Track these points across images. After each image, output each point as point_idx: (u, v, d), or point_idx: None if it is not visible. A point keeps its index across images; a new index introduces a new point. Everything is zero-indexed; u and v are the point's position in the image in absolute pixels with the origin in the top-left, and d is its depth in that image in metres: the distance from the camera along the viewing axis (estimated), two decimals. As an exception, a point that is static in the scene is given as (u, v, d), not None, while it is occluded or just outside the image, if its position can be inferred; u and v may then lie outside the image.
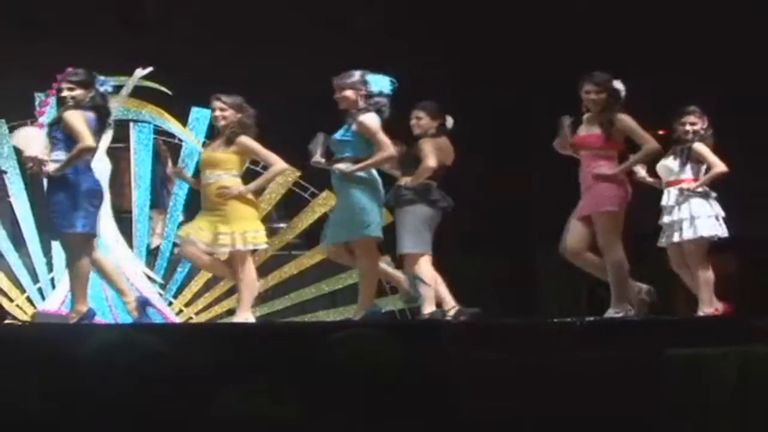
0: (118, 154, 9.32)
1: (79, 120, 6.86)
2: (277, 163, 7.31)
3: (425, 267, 7.37)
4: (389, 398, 3.46)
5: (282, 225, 10.04)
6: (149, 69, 9.07)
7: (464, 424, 4.35)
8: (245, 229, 7.18)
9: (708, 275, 7.63)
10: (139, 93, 9.30)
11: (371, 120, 7.06)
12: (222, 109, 7.31)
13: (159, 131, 9.70)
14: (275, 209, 9.98)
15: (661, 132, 10.14)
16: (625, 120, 7.21)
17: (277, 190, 9.75)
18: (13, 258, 9.33)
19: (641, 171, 7.74)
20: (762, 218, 9.81)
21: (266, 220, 9.89)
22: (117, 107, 9.23)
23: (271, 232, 9.98)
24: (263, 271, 9.17)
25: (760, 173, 9.76)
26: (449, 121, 7.57)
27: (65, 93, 6.97)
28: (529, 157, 9.20)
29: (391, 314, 9.53)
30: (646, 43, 9.99)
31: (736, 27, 9.81)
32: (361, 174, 7.09)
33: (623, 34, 9.93)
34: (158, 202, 9.94)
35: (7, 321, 7.70)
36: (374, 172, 7.18)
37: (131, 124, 9.55)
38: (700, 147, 7.74)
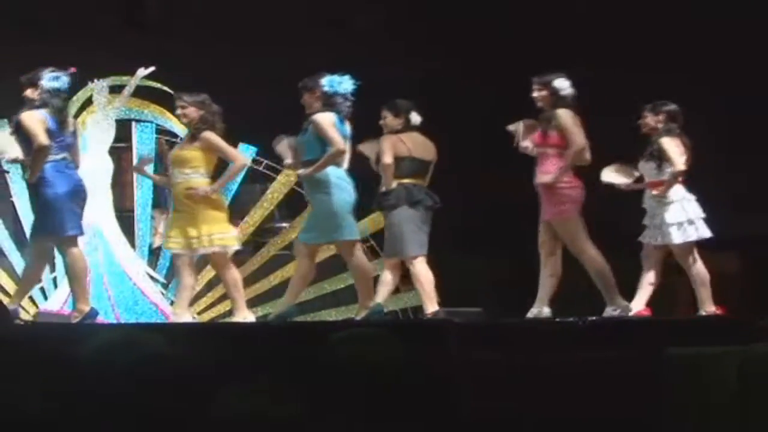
0: (120, 154, 9.33)
1: (30, 120, 6.81)
2: (239, 159, 7.33)
3: (420, 268, 7.39)
4: (389, 398, 3.47)
5: (284, 225, 10.04)
6: (151, 69, 9.08)
7: (464, 424, 4.36)
8: (211, 232, 7.19)
9: (698, 275, 7.58)
10: (141, 93, 9.31)
11: (322, 118, 7.10)
12: (183, 107, 7.37)
13: (161, 131, 9.71)
14: (277, 209, 9.98)
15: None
16: (563, 116, 7.22)
17: (279, 190, 9.75)
18: (15, 257, 9.33)
19: (624, 180, 7.71)
20: (762, 218, 9.80)
21: (269, 219, 9.92)
22: (119, 107, 9.27)
23: (273, 232, 10.01)
24: (264, 271, 9.18)
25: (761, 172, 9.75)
26: (414, 118, 7.58)
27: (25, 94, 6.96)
28: (530, 157, 9.20)
29: (393, 314, 9.56)
30: (645, 43, 9.99)
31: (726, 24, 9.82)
32: (327, 177, 7.09)
33: (622, 34, 9.93)
34: (160, 201, 9.94)
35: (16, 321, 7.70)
36: (341, 174, 7.16)
37: (133, 124, 9.56)
38: (664, 143, 7.64)
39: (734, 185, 8.37)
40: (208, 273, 9.79)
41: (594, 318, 7.25)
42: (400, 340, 3.66)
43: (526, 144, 7.37)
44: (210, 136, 7.20)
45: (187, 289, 7.33)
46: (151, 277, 9.41)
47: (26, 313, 9.09)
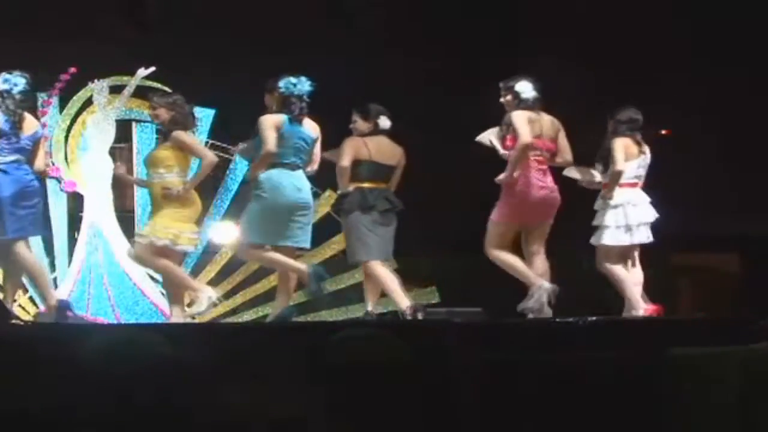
0: (120, 154, 9.33)
1: None
2: (207, 156, 7.33)
3: (374, 271, 7.41)
4: (389, 398, 3.47)
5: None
6: (151, 69, 9.08)
7: (464, 424, 4.36)
8: (182, 230, 7.23)
9: (619, 276, 7.56)
10: (141, 93, 9.30)
11: (263, 119, 7.17)
12: (154, 108, 7.43)
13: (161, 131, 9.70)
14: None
15: (663, 132, 10.17)
16: (514, 117, 7.26)
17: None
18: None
19: (584, 177, 7.72)
20: (762, 217, 9.80)
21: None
22: (119, 107, 9.27)
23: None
24: (264, 271, 9.17)
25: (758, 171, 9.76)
26: (383, 122, 7.59)
27: None
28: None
29: (393, 314, 9.56)
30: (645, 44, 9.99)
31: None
32: (261, 179, 7.11)
33: (618, 35, 9.94)
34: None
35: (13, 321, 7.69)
36: (275, 179, 7.14)
37: (133, 124, 9.56)
38: (612, 144, 7.63)
39: (734, 186, 8.37)
40: (208, 273, 9.80)
41: (594, 318, 7.25)
42: (400, 341, 3.66)
43: (502, 151, 7.42)
44: (179, 135, 7.27)
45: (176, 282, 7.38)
46: (151, 277, 9.41)
47: (26, 313, 9.10)
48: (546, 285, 7.21)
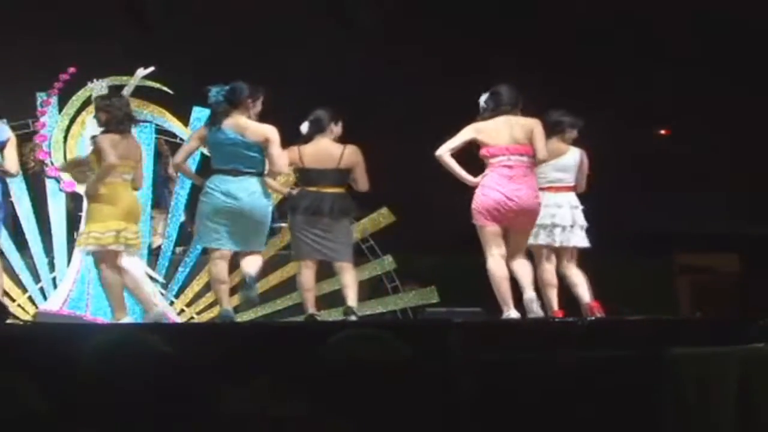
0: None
1: None
2: (106, 160, 7.26)
3: (302, 273, 7.59)
4: (389, 398, 3.47)
5: (283, 225, 10.03)
6: (150, 69, 9.08)
7: (464, 424, 4.36)
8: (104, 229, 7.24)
9: (541, 279, 7.58)
10: (140, 92, 9.31)
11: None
12: (96, 111, 7.53)
13: (160, 131, 9.71)
14: (276, 208, 9.97)
15: (662, 131, 10.18)
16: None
17: (278, 190, 9.73)
18: (14, 257, 9.33)
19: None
20: (762, 218, 9.81)
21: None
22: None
23: (273, 232, 9.99)
24: (264, 271, 9.17)
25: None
26: (303, 128, 7.64)
27: None
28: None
29: (393, 314, 9.57)
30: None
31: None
32: (205, 184, 7.20)
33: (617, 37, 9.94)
34: (160, 201, 9.94)
35: (8, 321, 7.70)
36: (211, 183, 7.17)
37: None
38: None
39: (734, 186, 8.37)
40: (208, 273, 9.80)
41: (594, 318, 7.25)
42: (399, 340, 3.65)
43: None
44: (98, 139, 7.35)
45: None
46: (151, 278, 9.41)
47: (26, 313, 9.10)
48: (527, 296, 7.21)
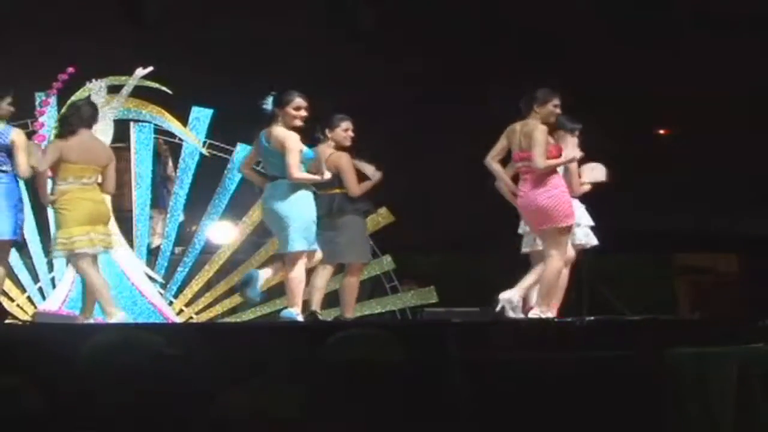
0: (119, 154, 9.32)
1: None
2: (40, 165, 7.21)
3: (319, 273, 7.54)
4: (389, 398, 3.46)
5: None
6: (150, 69, 9.08)
7: (463, 423, 4.35)
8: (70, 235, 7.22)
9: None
10: (139, 93, 9.31)
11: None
12: None
13: (159, 131, 9.71)
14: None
15: (662, 131, 10.17)
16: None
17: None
18: (14, 258, 9.32)
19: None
20: (762, 219, 9.81)
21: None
22: (117, 107, 9.26)
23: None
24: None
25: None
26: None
27: None
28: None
29: (392, 314, 9.57)
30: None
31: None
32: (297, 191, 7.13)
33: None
34: (158, 201, 9.95)
35: (7, 321, 7.69)
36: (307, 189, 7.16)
37: (132, 124, 9.56)
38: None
39: (734, 186, 8.37)
40: (207, 273, 9.81)
41: (594, 318, 7.25)
42: (399, 340, 3.65)
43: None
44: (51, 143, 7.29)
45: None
46: (150, 278, 9.41)
47: (25, 313, 9.10)
48: (504, 296, 7.13)
